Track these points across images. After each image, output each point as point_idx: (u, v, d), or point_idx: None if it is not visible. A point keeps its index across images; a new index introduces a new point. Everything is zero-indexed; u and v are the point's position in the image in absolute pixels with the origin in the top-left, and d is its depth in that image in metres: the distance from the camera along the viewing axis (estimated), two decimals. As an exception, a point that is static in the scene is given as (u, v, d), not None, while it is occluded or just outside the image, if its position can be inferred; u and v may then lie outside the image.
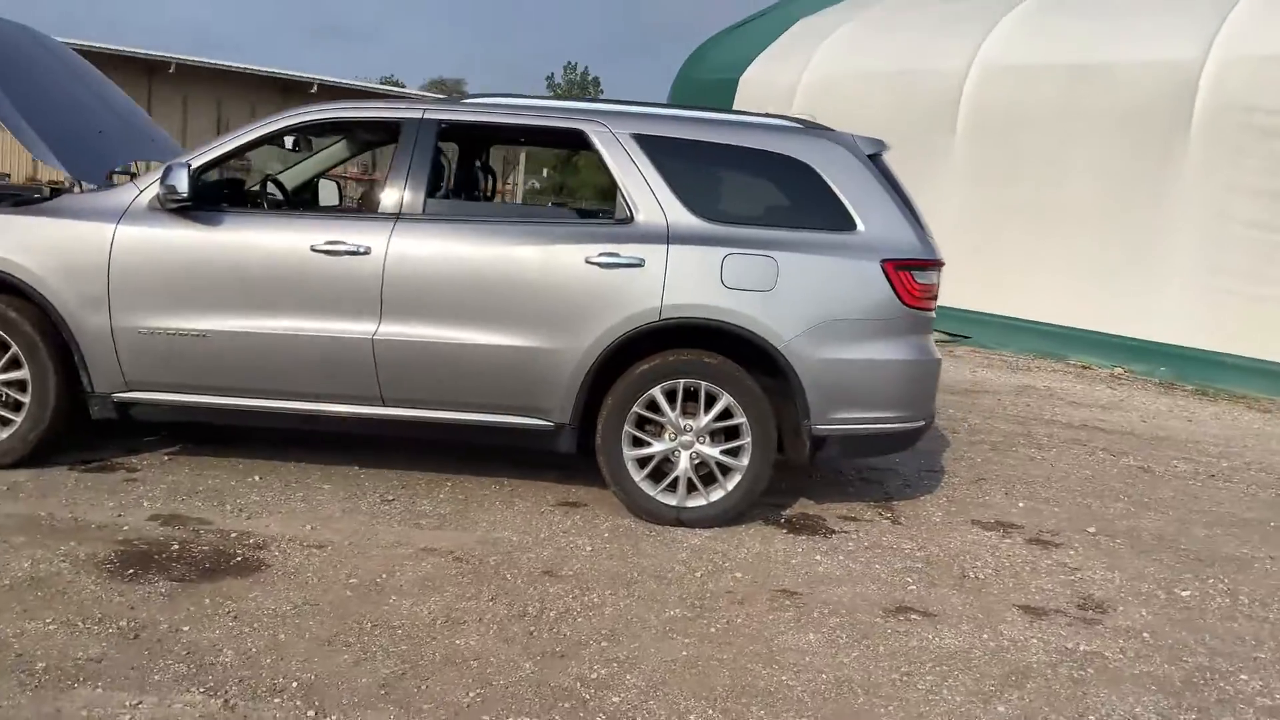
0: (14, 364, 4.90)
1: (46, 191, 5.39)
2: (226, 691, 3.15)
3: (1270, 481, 6.73)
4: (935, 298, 5.20)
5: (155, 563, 4.04)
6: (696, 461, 4.96)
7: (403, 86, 45.39)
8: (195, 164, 4.90)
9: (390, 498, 5.01)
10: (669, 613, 3.98)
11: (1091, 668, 3.79)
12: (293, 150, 5.91)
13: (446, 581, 4.09)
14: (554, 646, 3.63)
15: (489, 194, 6.68)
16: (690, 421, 4.94)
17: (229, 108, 26.63)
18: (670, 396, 4.92)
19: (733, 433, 4.95)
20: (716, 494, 4.97)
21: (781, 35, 15.94)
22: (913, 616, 4.12)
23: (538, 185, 41.74)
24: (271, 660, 3.36)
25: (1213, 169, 10.55)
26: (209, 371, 4.93)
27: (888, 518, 5.34)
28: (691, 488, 4.95)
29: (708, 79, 16.40)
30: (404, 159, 5.02)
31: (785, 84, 14.90)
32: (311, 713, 3.08)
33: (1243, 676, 3.82)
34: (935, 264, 5.16)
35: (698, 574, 4.39)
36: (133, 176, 5.30)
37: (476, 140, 6.33)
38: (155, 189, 4.87)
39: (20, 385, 4.92)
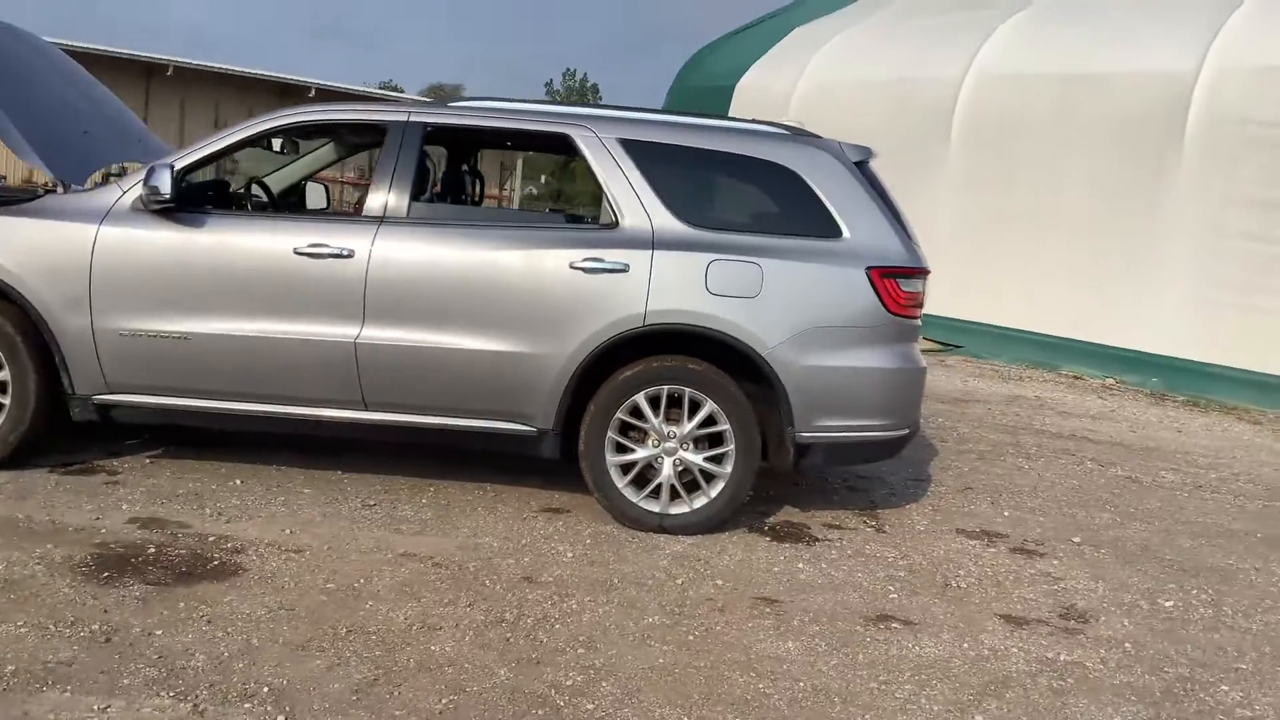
0: (-7, 365, 4.88)
1: (42, 193, 5.36)
2: (196, 696, 3.12)
3: (1258, 493, 6.72)
4: (921, 306, 5.19)
5: (131, 566, 4.01)
6: (680, 468, 4.94)
7: (401, 91, 45.41)
8: (179, 165, 4.88)
9: (372, 502, 4.99)
10: (648, 620, 3.95)
11: (1071, 678, 3.77)
12: (280, 153, 5.91)
13: (424, 587, 4.06)
14: (530, 653, 3.60)
15: (477, 198, 6.66)
16: (674, 428, 4.92)
17: (227, 110, 26.60)
18: (654, 403, 4.91)
19: (716, 439, 4.93)
20: (700, 501, 4.94)
21: (778, 43, 15.97)
22: (893, 625, 4.10)
23: (535, 191, 41.75)
24: (243, 665, 3.34)
25: (1207, 180, 10.55)
26: (190, 374, 4.91)
27: (872, 526, 5.32)
28: (675, 495, 4.93)
29: (704, 86, 16.42)
30: (389, 162, 5.01)
31: (781, 91, 14.92)
32: (281, 718, 3.05)
33: (1223, 687, 3.80)
34: (921, 272, 5.14)
35: (678, 581, 4.36)
36: (108, 177, 5.27)
37: (463, 144, 6.31)
38: (138, 190, 4.85)
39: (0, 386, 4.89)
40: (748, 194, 5.37)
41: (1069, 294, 11.49)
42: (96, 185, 5.14)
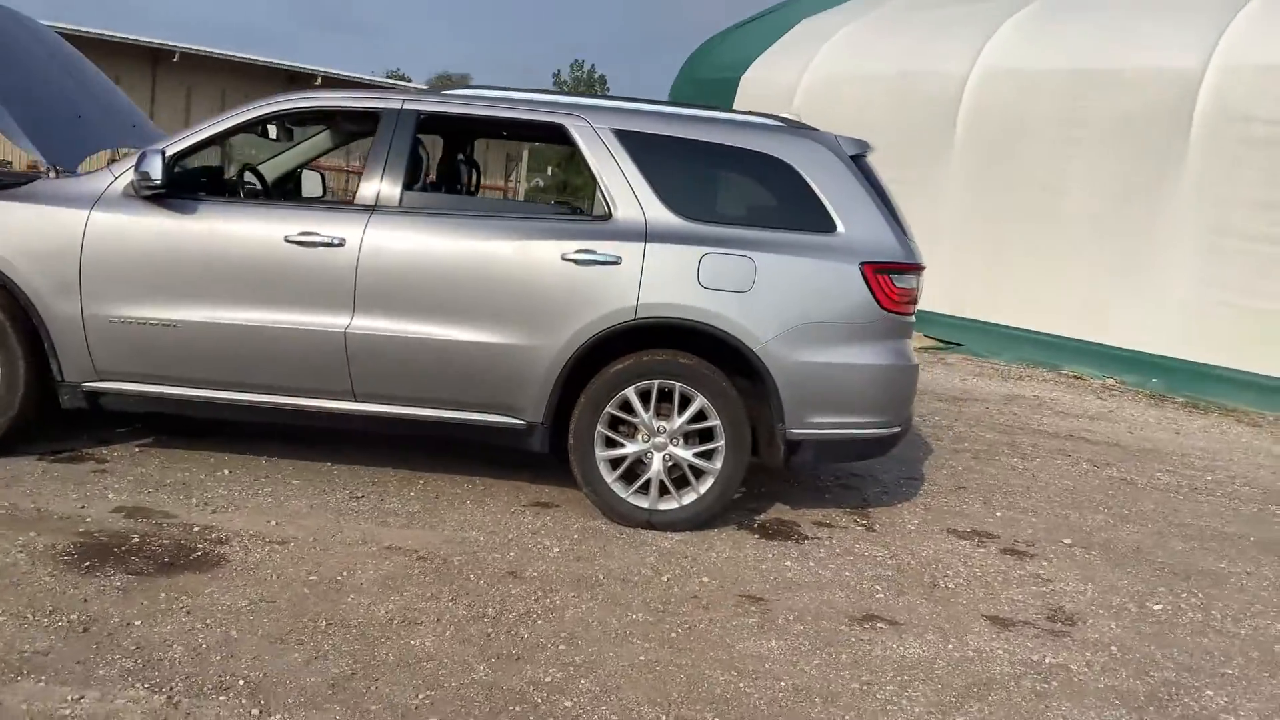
0: (-18, 350, 4.86)
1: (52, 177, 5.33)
2: (171, 688, 3.11)
3: (1254, 496, 6.68)
4: (915, 302, 5.14)
5: (114, 556, 3.99)
6: (669, 464, 4.91)
7: (409, 81, 45.34)
8: (170, 151, 4.85)
9: (360, 495, 4.97)
10: (631, 616, 3.93)
11: (1055, 680, 3.75)
12: (275, 140, 5.88)
13: (408, 581, 4.04)
14: (510, 649, 3.58)
15: (473, 188, 6.63)
16: (664, 423, 4.90)
17: (233, 98, 26.52)
18: (644, 397, 4.88)
19: (706, 435, 4.90)
20: (689, 497, 4.92)
21: (783, 36, 15.89)
22: (878, 625, 4.07)
23: (541, 183, 41.68)
24: (220, 657, 3.32)
25: (1210, 179, 10.48)
26: (179, 362, 4.89)
27: (862, 525, 5.29)
28: (664, 490, 4.91)
29: (709, 78, 16.35)
30: (381, 150, 4.98)
31: (786, 84, 14.85)
32: (256, 711, 3.04)
33: (1208, 692, 3.77)
34: (915, 268, 5.10)
35: (664, 578, 4.34)
36: (112, 163, 5.25)
37: (458, 133, 6.28)
38: (130, 176, 4.82)
39: (-11, 372, 4.88)
40: (742, 187, 5.34)
41: (1070, 293, 11.43)
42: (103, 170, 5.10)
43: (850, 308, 4.93)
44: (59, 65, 5.81)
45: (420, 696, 3.21)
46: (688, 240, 4.86)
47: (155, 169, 4.71)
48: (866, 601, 4.30)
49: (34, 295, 4.80)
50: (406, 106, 5.05)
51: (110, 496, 4.61)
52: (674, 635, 3.81)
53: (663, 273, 4.83)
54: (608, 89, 54.39)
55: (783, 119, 5.38)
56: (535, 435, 4.93)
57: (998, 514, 5.70)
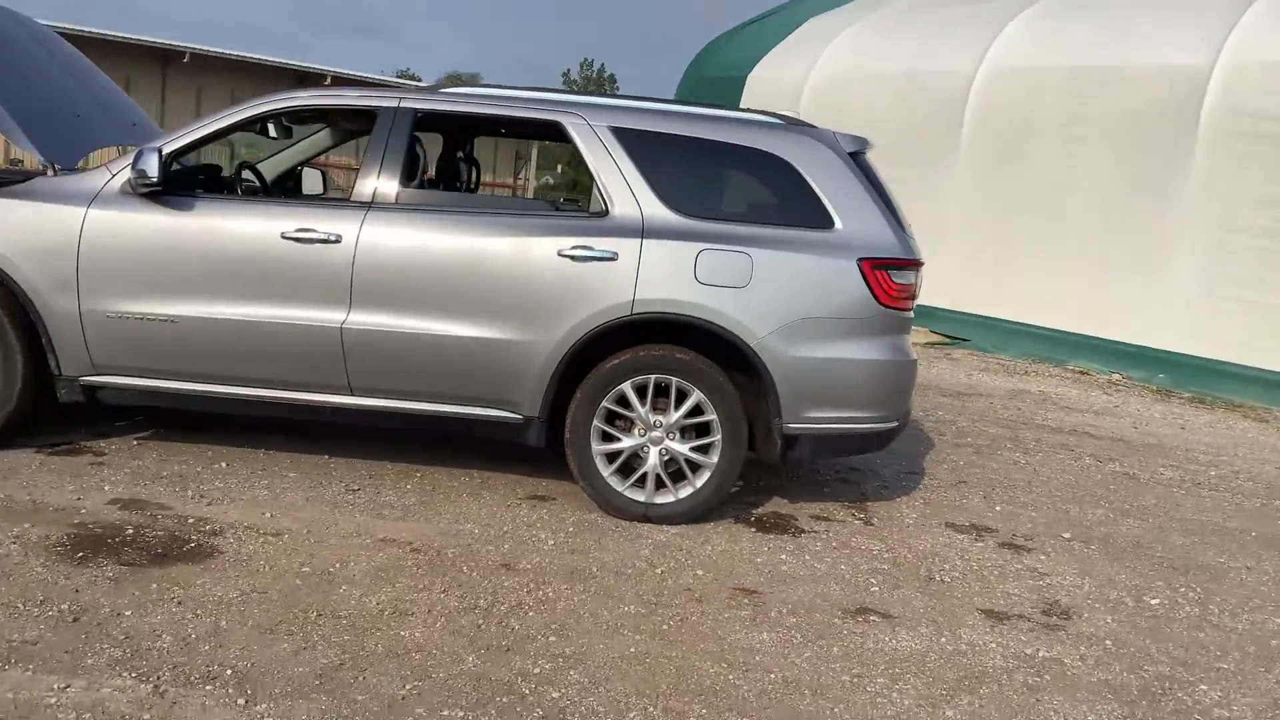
0: (-20, 345, 4.89)
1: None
2: (159, 677, 3.12)
3: (1257, 491, 6.64)
4: (913, 298, 5.12)
5: (107, 547, 4.01)
6: (666, 458, 4.90)
7: (419, 80, 45.43)
8: (167, 149, 4.87)
9: (356, 487, 4.98)
10: (623, 609, 3.93)
11: (1048, 674, 3.73)
12: (275, 138, 5.90)
13: (400, 572, 4.05)
14: (500, 640, 3.58)
15: (472, 185, 6.64)
16: (660, 417, 4.89)
17: (243, 98, 26.62)
18: (640, 392, 4.87)
19: (703, 429, 4.90)
20: (685, 491, 4.91)
21: (790, 34, 15.87)
22: (872, 618, 4.06)
23: (551, 180, 41.73)
24: (209, 647, 3.33)
25: (1218, 175, 10.43)
26: (176, 357, 4.91)
27: (860, 518, 5.27)
28: (660, 484, 4.90)
29: (715, 77, 16.35)
30: (378, 147, 4.99)
31: (792, 83, 14.83)
32: (242, 701, 3.05)
33: (1202, 687, 3.75)
34: (914, 264, 5.08)
35: (658, 570, 4.34)
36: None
37: (456, 130, 6.29)
38: (127, 173, 4.84)
39: (-13, 366, 4.90)
40: (739, 183, 5.33)
41: (1077, 288, 11.39)
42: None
43: (848, 303, 4.92)
44: (58, 64, 5.84)
45: (407, 687, 3.21)
46: (685, 236, 4.86)
47: (152, 166, 4.73)
48: (861, 595, 4.29)
49: (32, 291, 4.83)
50: (403, 105, 5.06)
51: (106, 489, 4.63)
52: (665, 627, 3.81)
53: (659, 268, 4.82)
54: (618, 88, 54.43)
55: (781, 116, 5.37)
56: (532, 429, 4.93)
57: (997, 508, 5.68)
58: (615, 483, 4.91)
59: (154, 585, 3.72)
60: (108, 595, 3.61)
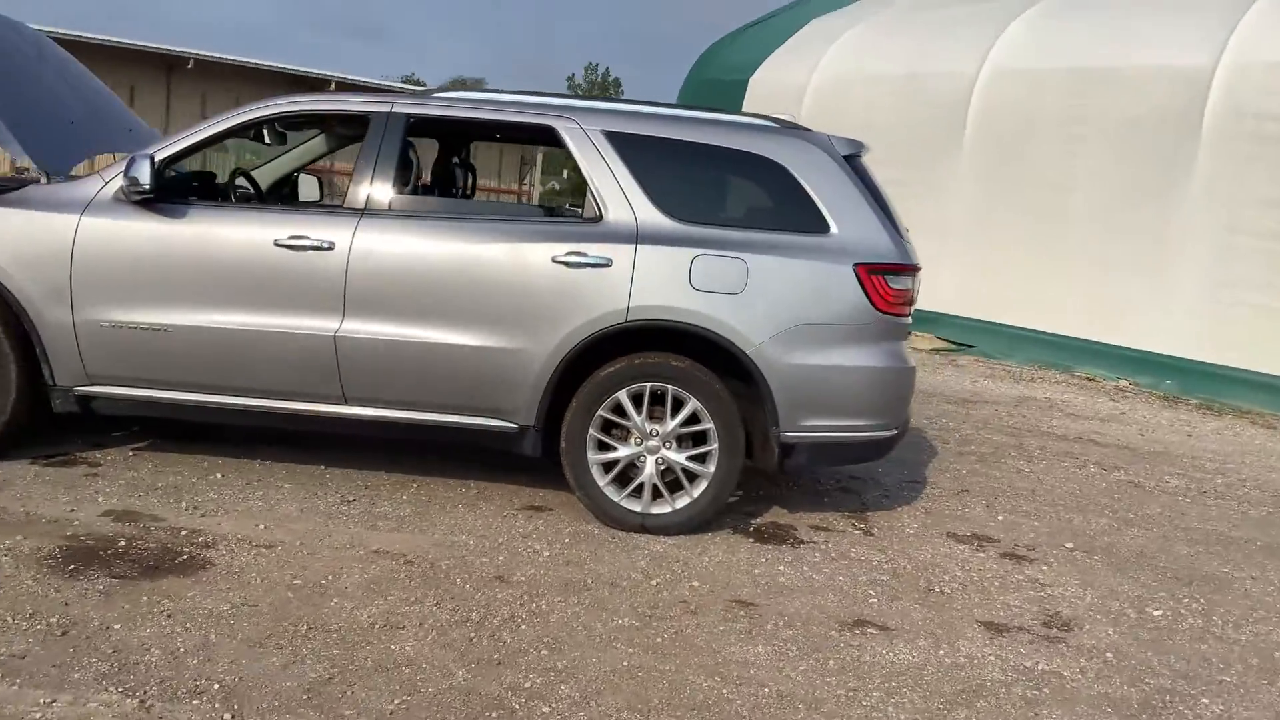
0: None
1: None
2: (145, 692, 3.09)
3: (1264, 499, 6.57)
4: (911, 303, 5.08)
5: (99, 559, 3.98)
6: (662, 467, 4.86)
7: (423, 85, 45.46)
8: (159, 156, 4.84)
9: (351, 498, 4.94)
10: (617, 621, 3.89)
11: (1047, 687, 3.68)
12: (268, 144, 5.87)
13: (393, 585, 4.01)
14: (492, 654, 3.54)
15: (468, 191, 6.60)
16: (657, 426, 4.85)
17: (247, 104, 26.69)
18: (636, 400, 4.83)
19: (700, 438, 4.85)
20: (682, 501, 4.87)
21: (792, 37, 15.85)
22: (869, 630, 4.01)
23: (557, 186, 41.69)
24: (198, 661, 3.30)
25: (1222, 177, 10.37)
26: (170, 366, 4.88)
27: (860, 528, 5.22)
28: (657, 494, 4.86)
29: (718, 80, 16.32)
30: (371, 153, 4.97)
31: (794, 85, 14.80)
32: (229, 715, 3.01)
33: (1204, 700, 3.69)
34: (910, 269, 5.04)
35: (654, 582, 4.29)
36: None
37: (450, 136, 6.25)
38: (119, 181, 4.82)
39: (-19, 377, 4.88)
40: (734, 188, 5.29)
41: (1082, 293, 11.33)
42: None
43: (844, 309, 4.88)
44: (51, 70, 5.83)
45: (396, 702, 3.18)
46: (679, 242, 4.82)
47: (144, 174, 4.70)
48: (859, 606, 4.24)
49: (25, 300, 4.80)
50: (395, 110, 5.03)
51: (100, 500, 4.60)
52: (659, 640, 3.76)
53: (654, 275, 4.78)
54: (621, 91, 54.42)
55: (776, 119, 5.33)
56: (527, 439, 4.89)
57: (1000, 518, 5.63)
58: (612, 492, 4.87)
59: (144, 598, 3.69)
60: (97, 608, 3.58)
